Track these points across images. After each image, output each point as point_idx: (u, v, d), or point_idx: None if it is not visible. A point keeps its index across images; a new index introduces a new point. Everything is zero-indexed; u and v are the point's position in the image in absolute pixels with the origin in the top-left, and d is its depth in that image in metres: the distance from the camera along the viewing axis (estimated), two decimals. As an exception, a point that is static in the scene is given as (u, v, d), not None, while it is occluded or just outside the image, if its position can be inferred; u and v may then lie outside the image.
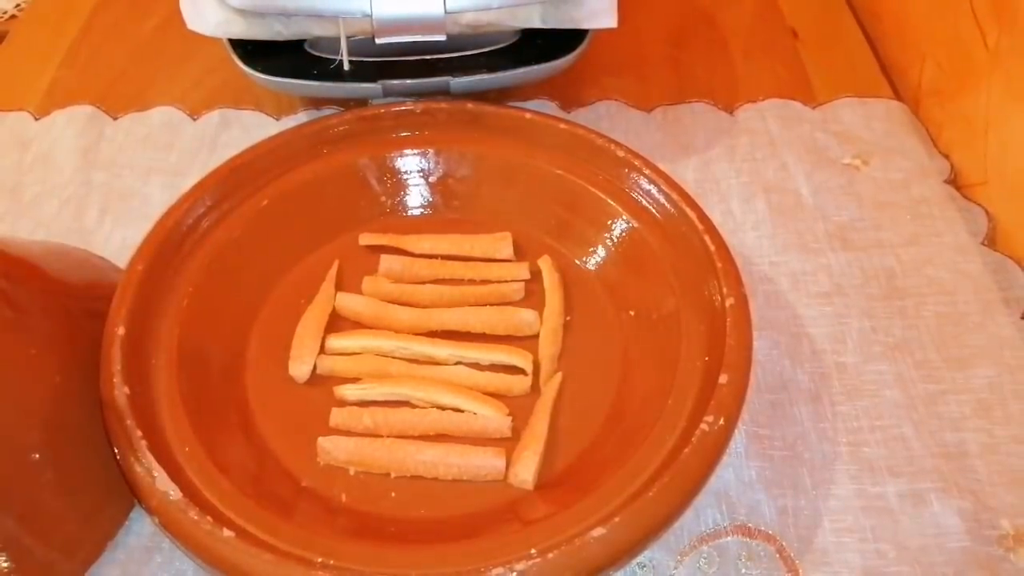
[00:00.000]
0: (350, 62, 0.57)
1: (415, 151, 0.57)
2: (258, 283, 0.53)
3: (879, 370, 0.50)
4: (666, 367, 0.45)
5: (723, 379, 0.42)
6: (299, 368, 0.49)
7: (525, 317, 0.51)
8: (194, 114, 0.67)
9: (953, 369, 0.50)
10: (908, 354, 0.51)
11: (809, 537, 0.44)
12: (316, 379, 0.49)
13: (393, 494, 0.44)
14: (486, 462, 0.45)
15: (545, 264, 0.54)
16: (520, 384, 0.48)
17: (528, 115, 0.56)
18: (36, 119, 0.67)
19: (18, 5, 0.85)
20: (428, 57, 0.59)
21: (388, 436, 0.46)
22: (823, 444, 0.47)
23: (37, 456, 0.38)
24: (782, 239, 0.57)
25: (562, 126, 0.55)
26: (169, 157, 0.64)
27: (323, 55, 0.59)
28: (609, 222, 0.53)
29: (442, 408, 0.47)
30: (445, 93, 0.59)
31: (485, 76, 0.58)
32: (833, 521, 0.44)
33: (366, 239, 0.56)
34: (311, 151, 0.56)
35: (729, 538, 0.44)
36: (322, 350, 0.50)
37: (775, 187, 0.60)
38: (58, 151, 0.65)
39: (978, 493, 0.45)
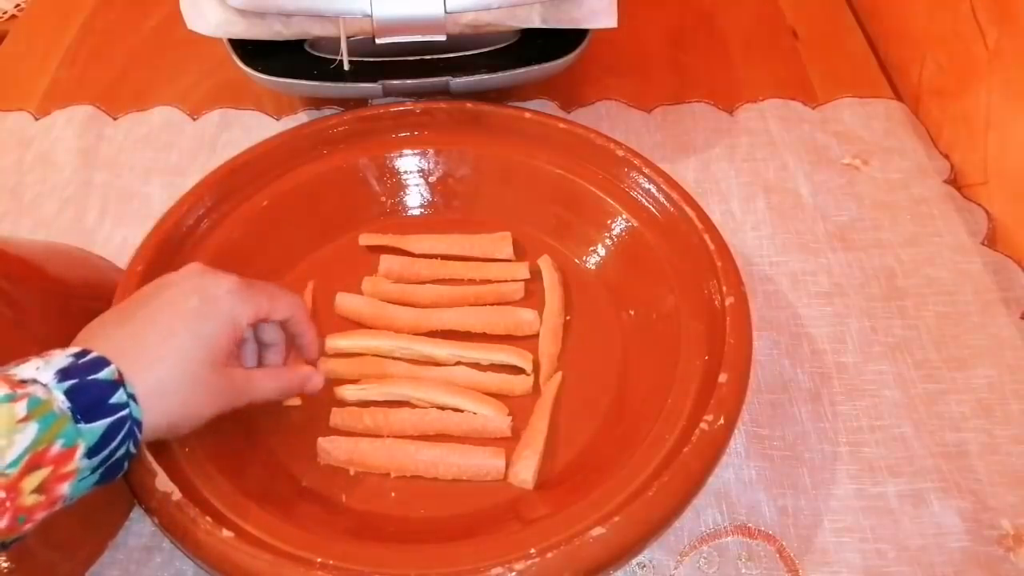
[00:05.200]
0: (350, 62, 0.57)
1: (415, 151, 0.57)
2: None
3: (879, 370, 0.50)
4: (666, 366, 0.45)
5: (723, 378, 0.42)
6: (293, 401, 0.48)
7: (525, 317, 0.51)
8: (194, 114, 0.67)
9: (953, 369, 0.50)
10: (908, 354, 0.51)
11: (809, 537, 0.44)
12: (316, 379, 0.49)
13: (393, 494, 0.44)
14: (486, 462, 0.45)
15: (545, 264, 0.54)
16: (522, 384, 0.48)
17: (528, 115, 0.56)
18: (36, 119, 0.68)
19: (18, 5, 0.85)
20: (428, 57, 0.59)
21: (388, 436, 0.46)
22: (823, 444, 0.47)
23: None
24: (782, 239, 0.57)
25: (562, 126, 0.55)
26: (169, 157, 0.64)
27: (323, 55, 0.59)
28: (609, 221, 0.53)
29: (442, 408, 0.47)
30: (445, 93, 0.59)
31: (485, 76, 0.58)
32: (833, 521, 0.44)
33: (366, 239, 0.56)
34: (311, 151, 0.56)
35: (729, 538, 0.44)
36: (322, 351, 0.50)
37: (775, 187, 0.60)
38: (58, 151, 0.65)
39: (978, 493, 0.45)
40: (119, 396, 0.34)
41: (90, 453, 0.32)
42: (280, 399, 0.44)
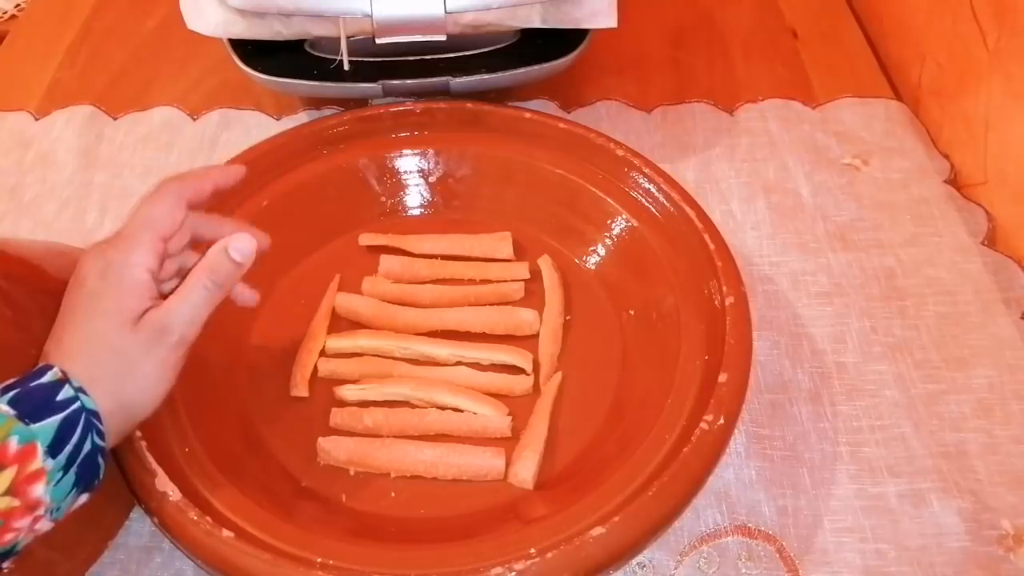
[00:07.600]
0: (350, 62, 0.57)
1: (415, 151, 0.57)
2: (258, 284, 0.52)
3: (879, 370, 0.50)
4: (666, 366, 0.45)
5: (723, 378, 0.42)
6: (299, 392, 0.49)
7: (525, 317, 0.51)
8: (194, 114, 0.67)
9: (953, 369, 0.50)
10: (908, 354, 0.51)
11: (809, 537, 0.44)
12: (316, 380, 0.49)
13: (393, 494, 0.44)
14: (486, 462, 0.45)
15: (545, 264, 0.54)
16: (522, 384, 0.48)
17: (528, 115, 0.56)
18: (36, 119, 0.68)
19: (18, 5, 0.85)
20: (428, 57, 0.59)
21: (388, 436, 0.46)
22: (823, 444, 0.47)
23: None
24: (782, 239, 0.57)
25: (562, 125, 0.55)
26: (169, 157, 0.64)
27: (323, 55, 0.59)
28: (609, 221, 0.53)
29: (442, 408, 0.47)
30: (445, 93, 0.59)
31: (485, 76, 0.58)
32: (833, 521, 0.44)
33: (366, 239, 0.56)
34: (311, 151, 0.56)
35: (729, 538, 0.44)
36: (323, 351, 0.50)
37: (775, 187, 0.60)
38: (58, 151, 0.65)
39: (978, 493, 0.45)
40: (65, 392, 0.34)
41: (52, 452, 0.33)
42: (209, 303, 0.39)
